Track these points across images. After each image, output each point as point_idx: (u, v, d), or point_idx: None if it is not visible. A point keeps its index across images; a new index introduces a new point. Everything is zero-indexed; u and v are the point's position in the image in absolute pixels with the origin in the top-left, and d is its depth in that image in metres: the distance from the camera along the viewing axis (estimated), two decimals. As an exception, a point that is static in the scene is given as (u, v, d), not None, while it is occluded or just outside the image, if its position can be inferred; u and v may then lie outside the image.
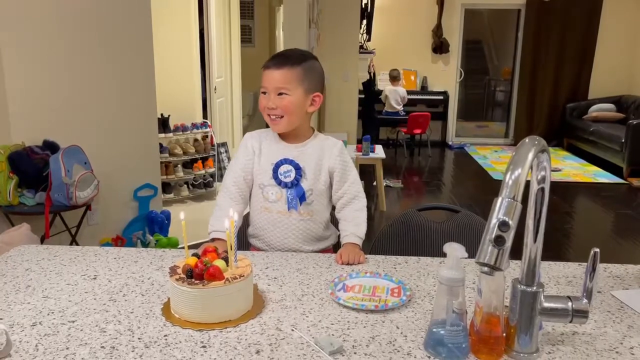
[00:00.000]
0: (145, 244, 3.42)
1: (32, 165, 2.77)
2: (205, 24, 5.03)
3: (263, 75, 1.50)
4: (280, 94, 1.47)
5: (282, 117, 1.49)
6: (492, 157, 7.23)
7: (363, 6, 6.77)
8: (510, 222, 0.79)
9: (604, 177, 6.15)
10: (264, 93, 1.50)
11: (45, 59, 2.89)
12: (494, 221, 0.80)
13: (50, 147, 2.88)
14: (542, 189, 0.91)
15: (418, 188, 5.92)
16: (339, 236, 1.67)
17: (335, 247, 1.69)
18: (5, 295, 1.18)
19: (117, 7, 3.14)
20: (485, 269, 0.82)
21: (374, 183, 5.11)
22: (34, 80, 2.88)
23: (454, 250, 0.95)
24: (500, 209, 0.81)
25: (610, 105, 7.25)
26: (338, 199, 1.59)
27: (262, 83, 1.50)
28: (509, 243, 0.80)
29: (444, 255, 0.96)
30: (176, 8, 4.80)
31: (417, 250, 1.73)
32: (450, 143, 8.07)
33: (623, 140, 6.06)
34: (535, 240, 0.93)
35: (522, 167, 0.82)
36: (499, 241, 0.79)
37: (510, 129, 8.20)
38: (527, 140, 0.86)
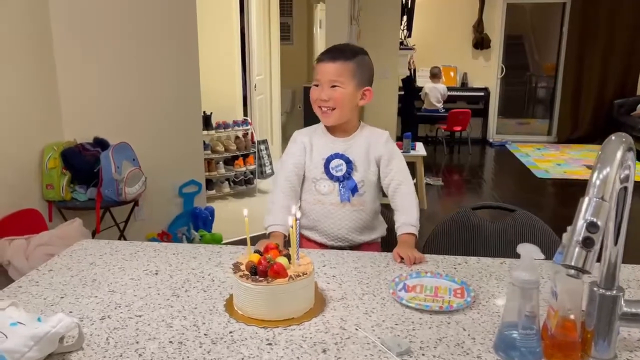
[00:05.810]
0: (190, 240, 3.47)
1: (84, 162, 2.84)
2: (246, 22, 5.07)
3: (316, 68, 1.52)
4: (333, 86, 1.49)
5: (333, 109, 1.50)
6: (535, 155, 7.04)
7: (404, 2, 6.69)
8: (599, 223, 0.75)
9: (655, 176, 5.90)
10: (317, 85, 1.51)
11: (96, 60, 2.96)
12: (581, 222, 0.77)
13: (100, 144, 2.94)
14: (625, 188, 0.86)
15: (459, 186, 5.82)
16: (386, 229, 1.67)
17: (383, 239, 1.68)
18: (73, 288, 1.21)
19: (165, 8, 3.20)
20: (572, 271, 0.79)
21: (415, 181, 5.03)
22: (86, 80, 2.95)
23: (529, 251, 0.91)
24: (588, 210, 0.77)
25: (661, 102, 6.98)
26: (387, 186, 1.58)
27: (315, 76, 1.52)
28: (597, 245, 0.76)
29: (504, 255, 0.93)
30: (218, 7, 4.85)
31: (472, 249, 1.69)
32: (491, 140, 7.91)
33: (675, 138, 5.81)
34: (616, 243, 0.89)
35: (611, 166, 0.78)
36: (587, 243, 0.75)
37: (554, 126, 7.97)
38: (613, 137, 0.82)
